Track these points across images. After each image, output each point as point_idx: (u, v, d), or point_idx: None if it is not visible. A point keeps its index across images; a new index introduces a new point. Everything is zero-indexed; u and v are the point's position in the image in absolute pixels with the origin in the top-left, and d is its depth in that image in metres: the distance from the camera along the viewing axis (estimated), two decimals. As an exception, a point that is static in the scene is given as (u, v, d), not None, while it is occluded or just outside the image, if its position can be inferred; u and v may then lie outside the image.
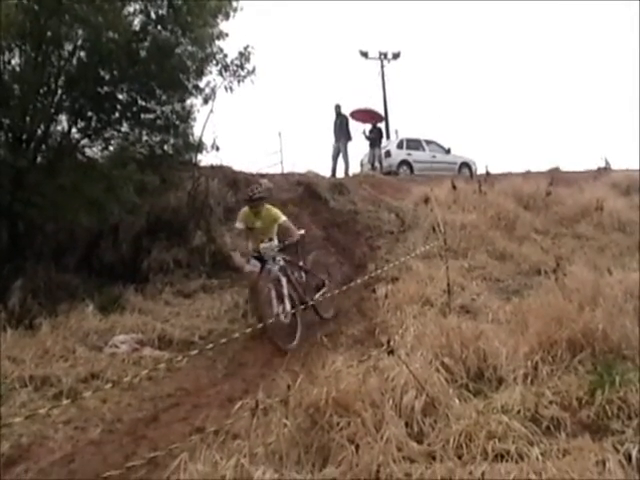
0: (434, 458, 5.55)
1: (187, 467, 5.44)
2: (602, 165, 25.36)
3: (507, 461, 5.34)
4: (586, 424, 6.03)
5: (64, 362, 9.54)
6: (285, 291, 10.39)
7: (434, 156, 28.61)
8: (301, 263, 11.52)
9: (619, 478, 5.06)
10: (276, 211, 11.04)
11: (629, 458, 5.33)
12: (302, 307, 10.42)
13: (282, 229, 10.94)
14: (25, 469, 6.57)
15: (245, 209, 11.08)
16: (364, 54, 39.02)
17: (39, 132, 13.61)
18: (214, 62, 15.40)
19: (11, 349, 9.75)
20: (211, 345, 8.21)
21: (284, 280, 10.50)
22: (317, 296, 11.18)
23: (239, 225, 11.19)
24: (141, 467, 5.65)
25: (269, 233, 10.84)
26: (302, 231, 11.67)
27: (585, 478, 4.97)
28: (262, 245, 10.66)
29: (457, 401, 6.47)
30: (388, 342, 6.83)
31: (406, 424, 6.02)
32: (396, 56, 39.00)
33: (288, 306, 10.25)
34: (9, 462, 6.74)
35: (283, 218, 10.95)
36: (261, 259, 10.69)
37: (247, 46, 15.69)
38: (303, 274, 11.40)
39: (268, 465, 5.34)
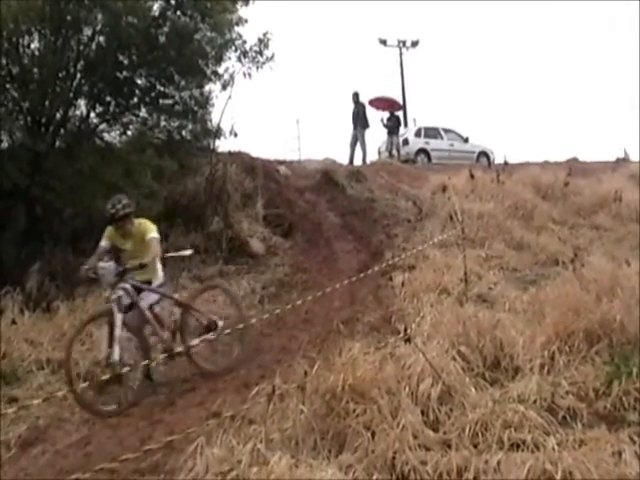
0: (450, 446, 5.53)
1: (204, 451, 5.46)
2: (621, 156, 25.23)
3: (523, 450, 5.31)
4: (602, 415, 6.00)
5: (81, 345, 9.58)
6: (117, 332, 7.90)
7: (452, 145, 28.58)
8: (177, 295, 9.35)
9: (635, 469, 5.03)
10: (148, 226, 8.67)
11: (646, 449, 5.30)
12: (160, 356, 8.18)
13: (146, 246, 8.51)
14: (42, 451, 6.65)
15: (110, 228, 8.72)
16: (383, 42, 39.02)
17: (58, 116, 13.73)
18: (233, 48, 15.38)
19: (28, 332, 9.85)
20: (228, 330, 8.30)
21: (119, 317, 8.00)
22: (196, 341, 8.72)
23: (103, 243, 8.70)
24: (157, 450, 5.69)
25: (144, 256, 8.41)
26: (188, 252, 10.30)
27: (601, 469, 4.94)
28: (100, 264, 8.34)
29: (473, 390, 6.44)
30: (405, 330, 6.84)
31: (422, 412, 6.01)
32: (415, 44, 38.97)
33: (116, 353, 7.81)
34: (26, 444, 6.84)
35: (151, 235, 8.55)
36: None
37: (266, 32, 15.69)
38: (176, 309, 9.00)
39: (284, 450, 5.36)
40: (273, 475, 4.89)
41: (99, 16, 13.47)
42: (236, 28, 15.30)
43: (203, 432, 5.71)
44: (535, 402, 6.11)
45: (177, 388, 8.33)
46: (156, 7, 14.31)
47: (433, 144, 28.29)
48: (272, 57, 15.70)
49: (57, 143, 13.84)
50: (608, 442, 5.32)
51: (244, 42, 15.48)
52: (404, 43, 38.89)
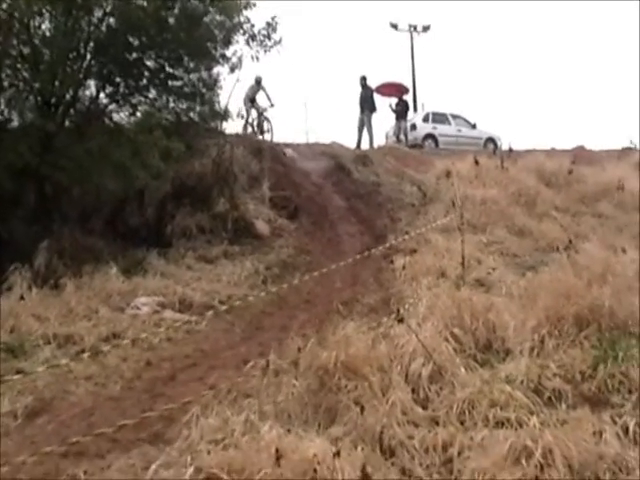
0: (437, 423, 5.70)
1: (199, 421, 5.67)
2: (627, 145, 25.21)
3: (507, 428, 5.47)
4: (587, 397, 6.13)
5: (87, 321, 9.82)
6: None
7: (459, 130, 28.52)
8: None
9: (615, 449, 5.17)
10: None
11: (626, 430, 5.43)
12: None
13: None
14: (47, 421, 6.85)
15: None
16: (394, 26, 38.81)
17: (68, 96, 13.85)
18: (241, 31, 15.53)
19: (36, 307, 10.03)
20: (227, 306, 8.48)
21: None
22: None
23: None
24: (158, 421, 5.91)
25: None
26: None
27: (580, 447, 5.08)
28: None
29: (463, 370, 6.58)
30: (398, 311, 7.01)
31: (412, 390, 6.16)
32: (426, 29, 38.77)
33: None
34: (32, 414, 7.01)
35: None
36: None
37: (274, 16, 15.82)
38: None
39: (277, 422, 5.54)
40: (263, 442, 5.06)
41: (109, -2, 13.63)
42: (244, 12, 15.47)
43: (199, 403, 5.92)
44: (522, 383, 6.24)
45: (178, 363, 8.52)
46: (166, -10, 14.43)
47: (441, 129, 28.26)
48: (280, 41, 15.87)
49: (67, 123, 13.99)
50: (590, 422, 5.44)
51: (252, 26, 15.64)
52: (415, 28, 38.73)
